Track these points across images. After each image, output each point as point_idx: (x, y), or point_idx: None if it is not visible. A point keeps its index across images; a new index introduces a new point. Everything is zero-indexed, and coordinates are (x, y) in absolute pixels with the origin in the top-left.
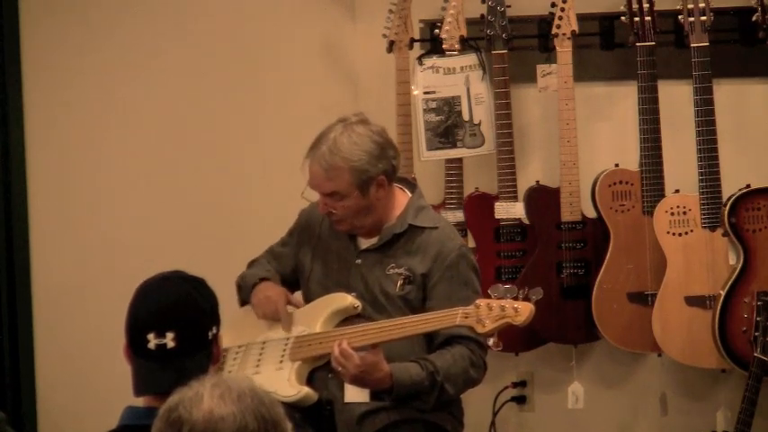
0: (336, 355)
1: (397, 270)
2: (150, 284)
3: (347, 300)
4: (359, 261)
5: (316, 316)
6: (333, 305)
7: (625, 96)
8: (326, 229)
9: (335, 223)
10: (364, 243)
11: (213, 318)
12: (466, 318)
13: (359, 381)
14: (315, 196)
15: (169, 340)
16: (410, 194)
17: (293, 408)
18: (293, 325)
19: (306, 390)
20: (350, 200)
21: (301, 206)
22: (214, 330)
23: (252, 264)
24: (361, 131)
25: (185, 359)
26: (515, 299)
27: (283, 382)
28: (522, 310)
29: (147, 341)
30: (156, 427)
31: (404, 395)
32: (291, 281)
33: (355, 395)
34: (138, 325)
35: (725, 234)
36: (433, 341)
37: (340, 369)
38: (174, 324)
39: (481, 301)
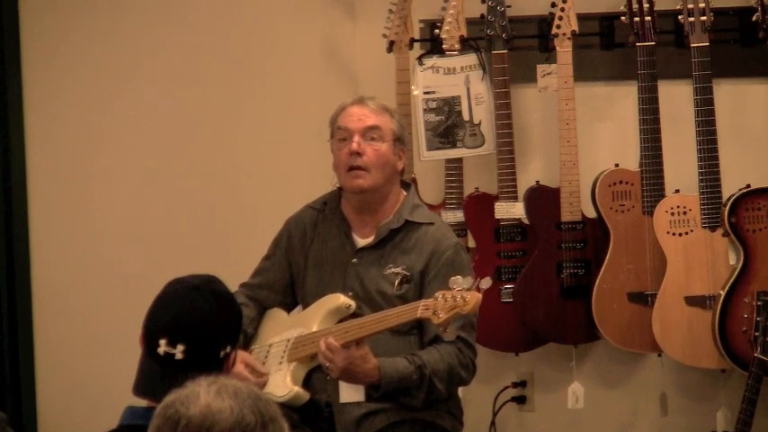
0: (323, 350)
1: (394, 270)
2: (178, 289)
3: (340, 299)
4: (355, 260)
5: (313, 317)
6: (327, 305)
7: (625, 96)
8: (321, 231)
9: (357, 175)
10: (360, 242)
11: (230, 337)
12: (426, 310)
13: (348, 374)
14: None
15: (178, 352)
16: (405, 193)
17: (291, 409)
18: (294, 328)
19: (296, 389)
20: (384, 145)
21: (299, 204)
22: (228, 349)
23: None
24: None
25: (191, 373)
26: (469, 289)
27: (279, 382)
28: (469, 300)
29: (158, 345)
30: (154, 424)
31: (393, 389)
32: (281, 290)
33: (350, 395)
34: (153, 326)
35: (725, 234)
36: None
37: (328, 364)
38: (187, 337)
39: (440, 293)
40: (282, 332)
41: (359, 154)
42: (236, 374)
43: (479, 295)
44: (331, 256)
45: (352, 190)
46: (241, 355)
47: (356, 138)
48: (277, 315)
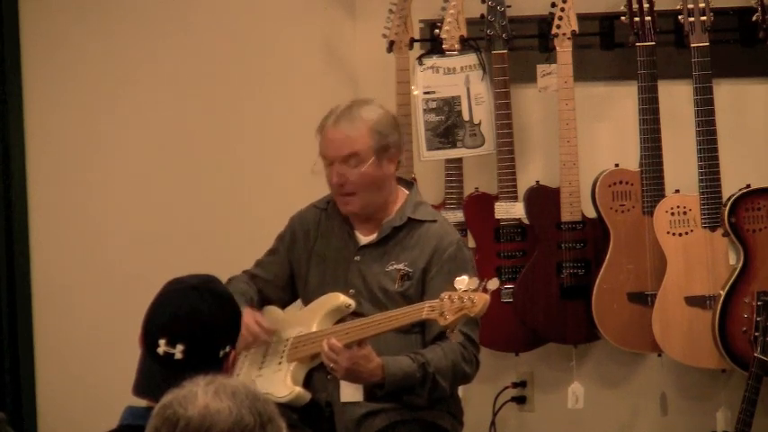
0: (326, 351)
1: (396, 266)
2: (177, 289)
3: (339, 299)
4: (358, 258)
5: (312, 316)
6: (327, 305)
7: (625, 96)
8: (324, 229)
9: (346, 201)
10: (363, 239)
11: (229, 336)
12: (432, 311)
13: (352, 374)
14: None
15: (178, 351)
16: (408, 192)
17: (291, 409)
18: (291, 327)
19: (298, 389)
20: (366, 166)
21: (299, 206)
22: (227, 349)
23: (229, 281)
24: (373, 104)
25: (191, 373)
26: (476, 290)
27: (279, 382)
28: (477, 301)
29: (158, 345)
30: (152, 424)
31: (397, 388)
32: (282, 285)
33: (351, 394)
34: (152, 326)
35: (725, 234)
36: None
37: (332, 365)
38: (186, 337)
39: (445, 294)
40: (280, 331)
41: (342, 184)
42: (246, 326)
43: (487, 296)
44: (334, 253)
45: (345, 214)
46: (250, 312)
47: (336, 167)
48: (272, 313)
